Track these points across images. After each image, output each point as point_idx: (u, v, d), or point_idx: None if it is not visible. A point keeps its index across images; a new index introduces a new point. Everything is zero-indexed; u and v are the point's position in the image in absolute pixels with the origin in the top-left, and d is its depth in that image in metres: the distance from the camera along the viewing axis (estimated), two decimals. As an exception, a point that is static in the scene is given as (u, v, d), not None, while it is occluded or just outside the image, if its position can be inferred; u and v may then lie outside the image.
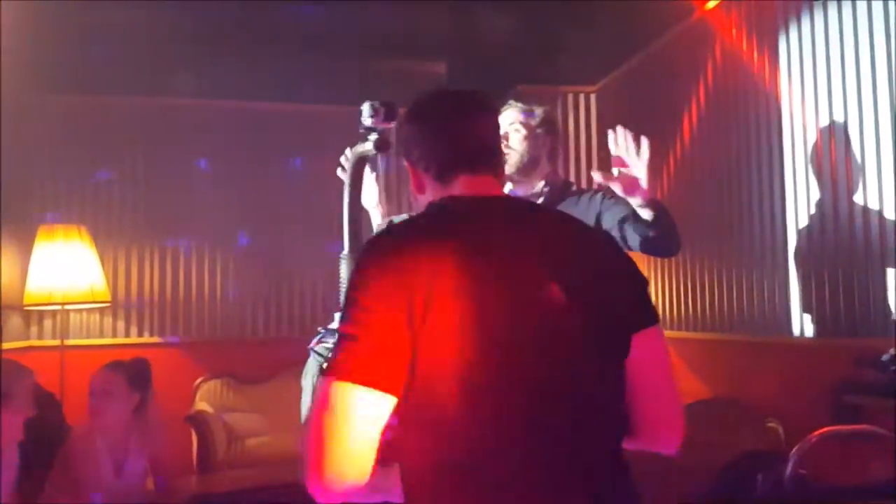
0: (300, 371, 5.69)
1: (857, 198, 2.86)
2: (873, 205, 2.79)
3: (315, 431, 1.05)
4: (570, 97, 5.09)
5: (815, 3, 2.93)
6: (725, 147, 3.67)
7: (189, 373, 4.78)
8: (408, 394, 1.05)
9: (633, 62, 4.60)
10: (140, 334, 4.91)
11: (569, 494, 1.10)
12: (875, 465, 2.33)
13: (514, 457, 1.08)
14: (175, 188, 5.01)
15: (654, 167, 4.23)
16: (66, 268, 4.30)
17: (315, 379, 1.60)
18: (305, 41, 4.55)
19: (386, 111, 1.75)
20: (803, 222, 3.15)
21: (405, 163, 1.34)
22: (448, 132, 1.30)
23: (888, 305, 2.73)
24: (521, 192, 2.40)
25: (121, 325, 4.89)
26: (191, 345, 4.97)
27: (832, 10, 2.96)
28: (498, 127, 1.39)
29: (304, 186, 5.21)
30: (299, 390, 5.39)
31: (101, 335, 4.82)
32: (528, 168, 2.39)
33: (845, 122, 2.92)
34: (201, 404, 4.66)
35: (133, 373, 2.86)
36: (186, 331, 5.01)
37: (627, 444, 1.21)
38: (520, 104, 2.44)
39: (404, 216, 2.37)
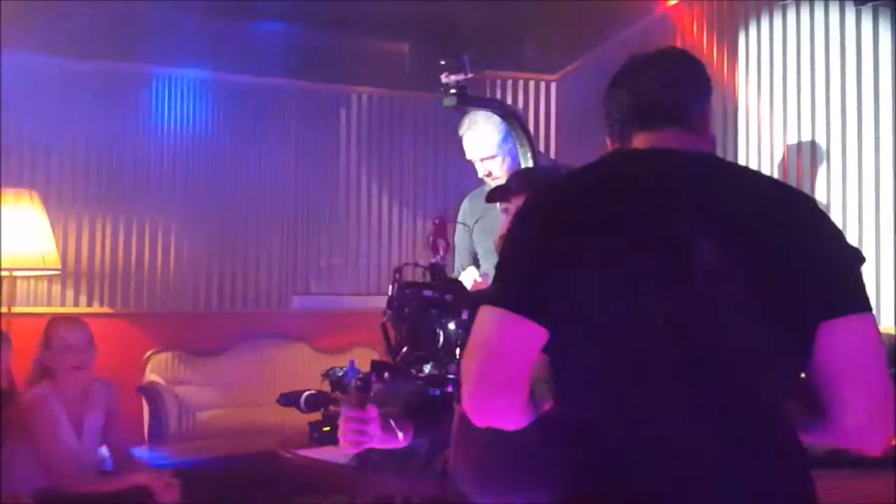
0: (253, 345, 5.67)
1: (806, 190, 3.01)
2: (821, 199, 2.94)
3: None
4: (532, 84, 5.16)
5: (778, 3, 3.04)
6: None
7: (139, 344, 4.72)
8: (560, 336, 1.10)
9: (593, 54, 4.70)
10: (90, 304, 4.83)
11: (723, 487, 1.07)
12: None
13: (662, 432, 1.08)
14: (130, 157, 4.93)
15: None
16: (15, 233, 4.20)
17: None
18: (270, 13, 4.52)
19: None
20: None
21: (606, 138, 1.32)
22: (630, 89, 1.24)
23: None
24: None
25: (70, 293, 4.80)
26: (142, 316, 4.91)
27: (791, 12, 3.09)
28: (690, 77, 1.26)
29: (261, 159, 5.19)
30: (254, 364, 5.35)
31: (50, 303, 4.72)
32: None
33: (799, 122, 3.06)
34: (152, 376, 4.62)
35: (88, 328, 2.84)
36: (138, 301, 4.95)
37: (829, 439, 1.18)
38: (475, 125, 2.45)
39: None
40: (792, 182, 3.08)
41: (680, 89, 1.23)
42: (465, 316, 1.35)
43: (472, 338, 1.13)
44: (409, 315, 1.40)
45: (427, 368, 1.36)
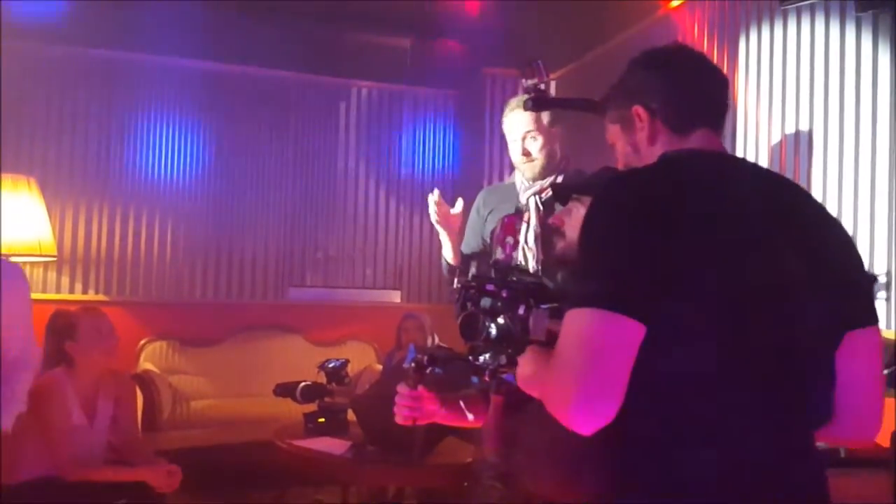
0: (248, 336, 5.70)
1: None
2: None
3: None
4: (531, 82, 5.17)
5: (779, 8, 3.06)
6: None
7: (134, 333, 4.72)
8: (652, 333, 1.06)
9: (594, 53, 4.72)
10: (85, 291, 4.84)
11: (762, 470, 1.11)
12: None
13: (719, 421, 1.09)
14: (128, 146, 4.95)
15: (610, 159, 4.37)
16: (12, 219, 4.20)
17: None
18: (272, 7, 4.52)
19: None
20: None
21: (634, 110, 1.28)
22: (700, 84, 1.27)
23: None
24: (538, 187, 2.47)
25: (66, 280, 4.80)
26: (137, 304, 4.91)
27: (792, 18, 3.11)
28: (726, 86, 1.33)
29: (259, 151, 5.21)
30: (248, 354, 5.36)
31: (45, 290, 4.72)
32: (550, 168, 2.47)
33: (796, 126, 3.08)
34: (146, 365, 4.63)
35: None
36: (133, 290, 4.96)
37: (826, 434, 1.22)
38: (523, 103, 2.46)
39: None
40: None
41: (726, 95, 1.31)
42: (521, 311, 1.36)
43: (568, 342, 1.07)
44: (466, 307, 1.44)
45: (483, 358, 1.40)
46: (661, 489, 1.09)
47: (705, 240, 1.09)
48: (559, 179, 2.46)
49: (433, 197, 2.62)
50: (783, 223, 1.16)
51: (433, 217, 2.62)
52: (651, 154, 1.25)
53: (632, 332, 1.04)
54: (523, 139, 2.46)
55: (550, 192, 2.45)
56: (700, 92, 1.27)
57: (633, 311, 1.04)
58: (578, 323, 1.06)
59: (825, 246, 1.20)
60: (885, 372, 2.40)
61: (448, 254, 2.66)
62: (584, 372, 1.04)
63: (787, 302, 1.12)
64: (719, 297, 1.08)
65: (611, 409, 1.04)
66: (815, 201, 1.27)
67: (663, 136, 1.25)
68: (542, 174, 2.45)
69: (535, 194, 2.47)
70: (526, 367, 1.25)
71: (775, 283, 1.12)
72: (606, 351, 1.04)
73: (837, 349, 1.17)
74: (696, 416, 1.09)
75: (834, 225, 1.25)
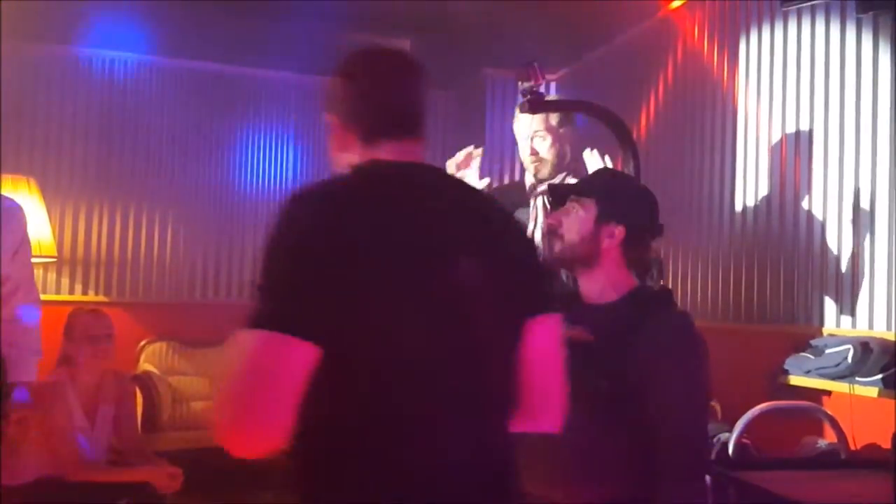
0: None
1: (803, 194, 3.04)
2: (817, 203, 2.97)
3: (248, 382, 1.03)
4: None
5: (780, 9, 3.07)
6: (680, 142, 3.82)
7: (134, 333, 4.73)
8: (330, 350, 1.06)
9: (595, 54, 4.72)
10: (85, 292, 4.84)
11: (450, 465, 1.13)
12: (807, 439, 2.51)
13: (403, 421, 1.10)
14: (128, 146, 4.95)
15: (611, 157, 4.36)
16: (12, 219, 4.19)
17: None
18: (271, 8, 4.52)
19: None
20: (749, 217, 3.33)
21: (327, 118, 1.28)
22: (388, 95, 1.26)
23: (821, 296, 2.93)
24: (545, 187, 2.48)
25: (65, 281, 4.80)
26: (137, 305, 4.92)
27: (792, 19, 3.11)
28: (424, 89, 1.31)
29: (257, 150, 5.21)
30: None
31: (45, 291, 4.71)
32: (559, 168, 2.48)
33: (797, 127, 3.09)
34: (146, 365, 4.63)
35: (110, 320, 2.87)
36: (133, 291, 4.96)
37: (513, 426, 1.23)
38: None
39: None
40: (789, 185, 3.11)
41: (422, 98, 1.29)
42: None
43: (234, 365, 1.04)
44: None
45: None
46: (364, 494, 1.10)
47: (385, 251, 1.09)
48: (568, 179, 2.48)
49: (476, 153, 2.58)
50: (463, 226, 1.20)
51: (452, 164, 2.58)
52: (344, 162, 1.26)
53: (300, 355, 1.03)
54: (531, 139, 2.48)
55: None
56: (388, 103, 1.26)
57: (303, 332, 1.03)
58: (243, 346, 1.04)
59: (502, 244, 1.24)
60: (881, 376, 2.41)
61: None
62: (242, 397, 1.02)
63: (467, 302, 1.14)
64: (399, 307, 1.09)
65: (270, 434, 1.03)
66: (493, 204, 1.31)
67: (353, 146, 1.25)
68: (551, 174, 2.47)
69: (542, 194, 2.48)
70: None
71: (456, 287, 1.13)
72: (270, 375, 1.02)
73: (519, 341, 1.21)
74: (388, 424, 1.09)
75: (510, 224, 1.31)
